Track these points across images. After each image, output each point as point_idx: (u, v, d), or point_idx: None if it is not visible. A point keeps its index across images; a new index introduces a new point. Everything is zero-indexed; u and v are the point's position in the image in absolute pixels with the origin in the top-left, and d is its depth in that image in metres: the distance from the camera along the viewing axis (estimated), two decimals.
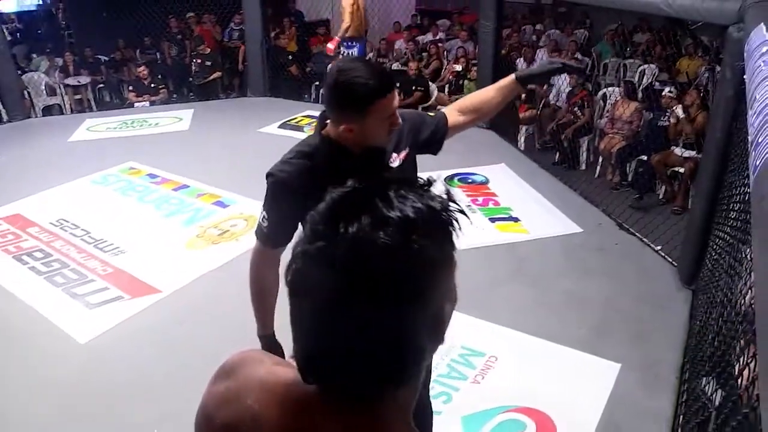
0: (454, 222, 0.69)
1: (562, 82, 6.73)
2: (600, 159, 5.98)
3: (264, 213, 1.70)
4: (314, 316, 0.67)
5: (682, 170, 5.17)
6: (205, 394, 0.85)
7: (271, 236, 1.69)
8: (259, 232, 1.73)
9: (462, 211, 0.71)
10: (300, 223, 1.71)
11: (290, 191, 1.63)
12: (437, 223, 0.67)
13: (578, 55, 7.57)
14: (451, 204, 0.70)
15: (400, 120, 1.62)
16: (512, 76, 1.95)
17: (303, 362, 0.70)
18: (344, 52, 7.16)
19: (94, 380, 2.98)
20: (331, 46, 7.10)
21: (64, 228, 4.56)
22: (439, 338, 0.71)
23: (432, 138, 1.87)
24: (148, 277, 3.85)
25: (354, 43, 7.26)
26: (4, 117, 7.84)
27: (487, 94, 1.99)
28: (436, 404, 2.61)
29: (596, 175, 5.91)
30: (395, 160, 1.74)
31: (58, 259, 4.11)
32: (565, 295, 3.62)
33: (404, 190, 0.67)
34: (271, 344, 1.82)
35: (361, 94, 1.52)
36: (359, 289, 0.63)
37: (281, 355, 1.76)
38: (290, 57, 8.76)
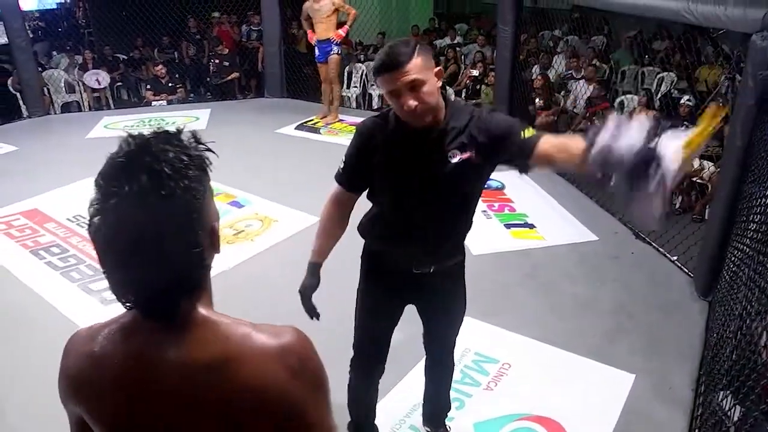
0: (206, 160, 0.90)
1: (581, 89, 6.69)
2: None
3: (343, 157, 1.88)
4: (118, 256, 0.84)
5: (700, 180, 5.12)
6: (59, 375, 0.98)
7: (342, 176, 1.89)
8: (336, 174, 1.91)
9: (209, 149, 0.91)
10: (365, 176, 1.85)
11: (363, 139, 1.84)
12: (196, 165, 0.87)
13: (596, 62, 7.53)
14: (200, 145, 0.90)
15: (412, 102, 1.65)
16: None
17: (119, 295, 0.88)
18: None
19: None
20: (342, 32, 6.84)
21: (80, 224, 4.60)
22: (216, 249, 0.93)
23: (514, 154, 1.73)
24: None
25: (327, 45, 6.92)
26: (24, 113, 7.94)
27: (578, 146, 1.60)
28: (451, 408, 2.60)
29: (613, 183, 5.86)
30: (455, 156, 1.76)
31: (74, 255, 4.14)
32: (579, 303, 3.59)
33: (163, 145, 0.86)
34: (311, 270, 2.00)
35: (372, 68, 1.76)
36: (151, 229, 0.82)
37: (312, 280, 2.00)
38: (304, 59, 8.78)
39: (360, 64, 8.51)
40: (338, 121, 7.06)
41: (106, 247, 0.85)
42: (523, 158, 1.72)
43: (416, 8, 9.88)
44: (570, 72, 7.44)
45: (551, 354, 3.08)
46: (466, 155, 1.75)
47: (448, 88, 7.75)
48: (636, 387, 2.87)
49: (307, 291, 2.01)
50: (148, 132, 0.89)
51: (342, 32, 6.81)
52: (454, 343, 2.30)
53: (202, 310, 0.91)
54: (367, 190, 1.93)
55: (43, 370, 3.04)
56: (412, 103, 1.65)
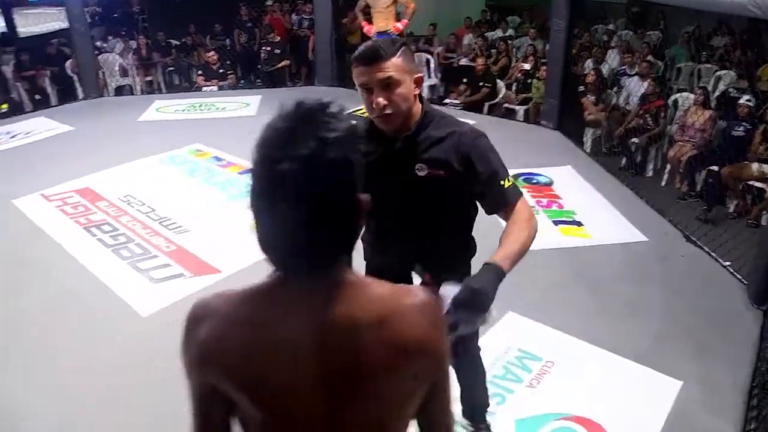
0: (361, 134, 0.96)
1: (635, 85, 6.52)
2: (668, 167, 5.78)
3: None
4: (289, 217, 0.88)
5: (758, 185, 4.93)
6: (189, 344, 0.98)
7: None
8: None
9: (351, 116, 0.96)
10: None
11: None
12: (356, 137, 0.93)
13: (650, 58, 7.32)
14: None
15: (381, 101, 1.59)
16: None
17: (280, 257, 0.94)
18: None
19: (151, 352, 3.06)
20: (400, 26, 6.84)
21: (131, 204, 4.71)
22: (363, 217, 0.97)
23: (488, 196, 1.73)
24: (209, 257, 3.94)
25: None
26: (80, 95, 8.17)
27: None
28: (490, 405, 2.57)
29: (663, 183, 5.71)
30: (423, 170, 1.70)
31: (124, 233, 4.25)
32: (625, 305, 3.51)
33: (328, 118, 0.90)
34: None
35: (352, 57, 1.66)
36: (321, 191, 0.87)
37: None
38: (354, 48, 8.79)
39: None
40: None
41: (273, 207, 0.90)
42: (494, 205, 1.72)
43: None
44: (624, 68, 7.26)
45: (596, 354, 3.02)
46: (436, 172, 1.69)
47: (498, 81, 7.65)
48: (683, 394, 2.79)
49: None
50: (309, 102, 0.92)
51: (401, 26, 6.79)
52: (476, 347, 2.23)
53: (350, 273, 0.97)
54: None
55: (91, 342, 3.15)
56: (381, 101, 1.60)
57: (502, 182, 1.70)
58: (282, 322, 0.93)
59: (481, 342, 3.03)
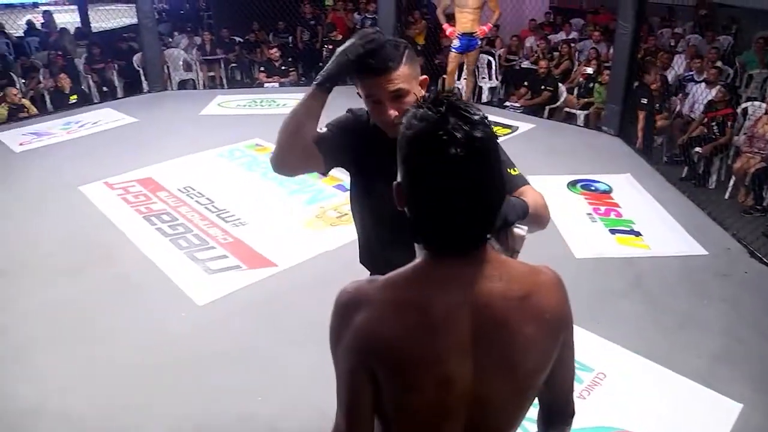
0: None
1: (701, 92, 6.29)
2: (732, 179, 5.56)
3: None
4: (455, 202, 0.94)
5: None
6: (344, 331, 1.01)
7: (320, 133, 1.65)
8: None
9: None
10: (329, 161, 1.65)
11: (348, 122, 1.71)
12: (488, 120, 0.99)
13: (719, 64, 7.06)
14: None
15: (393, 113, 1.52)
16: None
17: (441, 237, 0.98)
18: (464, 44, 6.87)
19: (205, 340, 3.14)
20: (485, 29, 6.85)
21: (190, 195, 4.84)
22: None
23: None
24: (265, 250, 4.00)
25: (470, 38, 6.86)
26: (145, 88, 8.44)
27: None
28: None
29: (727, 196, 5.49)
30: None
31: (183, 223, 4.36)
32: (683, 319, 3.39)
33: (464, 105, 0.96)
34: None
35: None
36: (485, 178, 0.95)
37: None
38: (419, 49, 8.78)
39: None
40: None
41: (443, 193, 0.94)
42: None
43: (533, 0, 9.61)
44: (691, 73, 7.02)
45: (650, 369, 2.93)
46: None
47: (560, 85, 7.52)
48: (742, 419, 2.66)
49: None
50: (451, 99, 0.97)
51: (486, 29, 6.81)
52: None
53: (492, 251, 1.04)
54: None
55: (148, 326, 3.25)
56: (393, 113, 1.53)
57: (509, 170, 1.64)
58: (439, 300, 0.97)
59: None
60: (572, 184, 4.95)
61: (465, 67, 7.15)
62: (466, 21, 6.60)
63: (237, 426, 2.62)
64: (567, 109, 7.43)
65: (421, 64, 8.58)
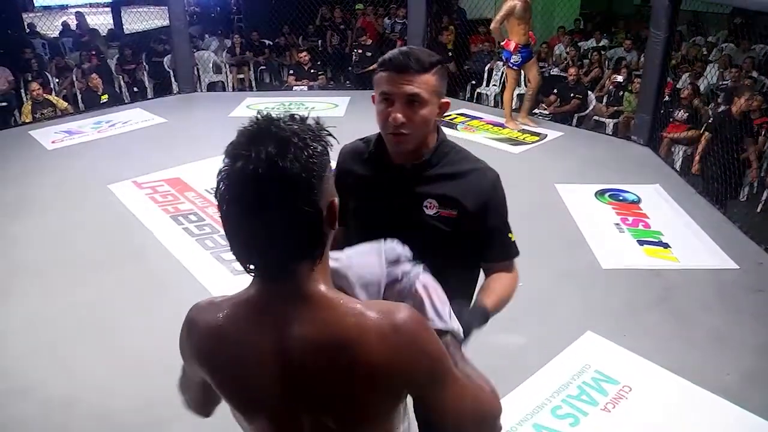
0: (327, 139, 0.96)
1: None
2: (765, 191, 5.44)
3: None
4: (241, 217, 0.90)
5: None
6: (183, 342, 1.09)
7: None
8: None
9: (330, 134, 0.97)
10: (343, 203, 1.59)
11: (340, 163, 1.66)
12: (318, 142, 0.93)
13: (754, 74, 6.93)
14: (323, 129, 0.96)
15: (399, 116, 1.42)
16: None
17: (241, 259, 0.94)
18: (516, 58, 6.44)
19: None
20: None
21: None
22: (332, 225, 0.96)
23: (489, 245, 1.61)
24: None
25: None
26: (175, 89, 8.55)
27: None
28: (562, 425, 2.51)
29: (759, 209, 5.38)
30: (431, 208, 1.52)
31: (209, 224, 4.40)
32: (712, 334, 3.31)
33: (290, 122, 0.92)
34: None
35: (380, 60, 1.49)
36: (273, 190, 0.87)
37: None
38: (449, 54, 8.77)
39: (501, 63, 8.37)
40: (476, 119, 6.99)
41: (230, 208, 0.91)
42: (496, 255, 1.61)
43: (562, 7, 9.53)
44: (724, 83, 6.90)
45: (678, 385, 2.87)
46: (448, 212, 1.52)
47: (589, 93, 7.45)
48: None
49: None
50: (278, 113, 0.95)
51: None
52: None
53: (321, 286, 0.95)
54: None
55: (173, 324, 3.26)
56: (399, 116, 1.42)
57: (509, 235, 1.61)
58: (249, 337, 0.96)
59: (558, 359, 2.97)
60: (600, 194, 4.89)
61: (529, 78, 6.61)
62: (524, 33, 6.20)
63: None
64: (596, 118, 7.35)
65: (452, 71, 8.49)
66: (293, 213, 0.88)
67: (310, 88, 8.56)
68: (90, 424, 2.67)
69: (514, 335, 3.15)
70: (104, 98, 7.80)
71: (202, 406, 1.23)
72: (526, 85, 7.42)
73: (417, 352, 0.94)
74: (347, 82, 9.42)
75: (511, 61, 6.34)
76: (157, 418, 2.66)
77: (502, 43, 6.43)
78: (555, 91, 7.61)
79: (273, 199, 0.88)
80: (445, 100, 1.52)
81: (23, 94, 7.92)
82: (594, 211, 4.63)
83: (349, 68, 9.28)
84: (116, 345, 3.16)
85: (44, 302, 3.57)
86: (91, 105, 7.77)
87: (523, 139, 6.27)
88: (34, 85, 7.30)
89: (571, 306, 3.48)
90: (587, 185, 5.04)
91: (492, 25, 6.31)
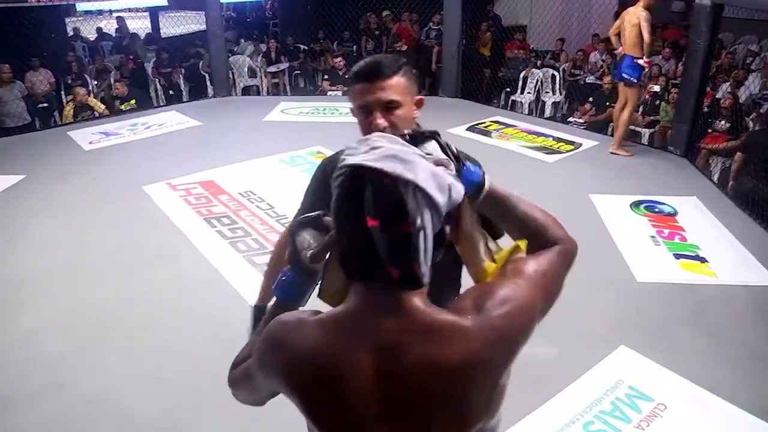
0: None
1: None
2: None
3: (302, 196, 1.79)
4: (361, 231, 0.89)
5: None
6: (267, 360, 1.02)
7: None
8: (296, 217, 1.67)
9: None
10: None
11: (324, 176, 1.70)
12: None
13: None
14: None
15: (381, 122, 1.48)
16: None
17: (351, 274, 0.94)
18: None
19: None
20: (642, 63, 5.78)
21: (250, 200, 4.92)
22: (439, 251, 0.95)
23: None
24: None
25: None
26: (210, 92, 8.67)
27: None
28: None
29: None
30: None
31: (242, 227, 4.44)
32: (752, 354, 3.21)
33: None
34: (256, 316, 1.90)
35: (350, 74, 1.52)
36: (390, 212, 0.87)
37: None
38: (485, 60, 8.73)
39: (536, 71, 8.31)
40: (510, 127, 6.94)
41: (349, 223, 0.92)
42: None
43: (599, 14, 9.39)
44: (767, 93, 6.73)
45: (714, 404, 2.79)
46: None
47: None
48: None
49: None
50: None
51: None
52: None
53: (416, 301, 0.94)
54: None
55: (206, 326, 3.31)
56: (381, 122, 1.48)
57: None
58: (348, 359, 0.92)
59: (591, 372, 2.92)
60: (635, 205, 4.80)
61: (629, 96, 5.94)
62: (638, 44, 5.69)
63: (301, 421, 2.62)
64: (632, 127, 7.22)
65: (488, 76, 8.39)
66: (407, 230, 0.89)
67: (345, 93, 8.57)
68: (117, 424, 2.71)
69: (546, 347, 3.12)
70: (123, 107, 7.81)
71: (259, 403, 1.22)
72: (558, 92, 7.34)
73: (510, 340, 0.96)
74: None
75: (634, 76, 5.77)
76: (188, 419, 2.69)
77: (641, 61, 5.71)
78: (590, 99, 7.51)
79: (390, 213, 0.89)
80: (419, 96, 1.58)
81: (63, 96, 8.11)
82: (629, 223, 4.55)
83: None
84: (148, 346, 3.20)
85: (77, 301, 3.63)
86: (118, 110, 7.84)
87: (558, 148, 6.19)
88: (81, 90, 7.47)
89: (605, 319, 3.42)
90: (622, 196, 4.96)
91: (645, 39, 5.60)
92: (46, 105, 7.86)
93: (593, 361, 3.02)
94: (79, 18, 12.46)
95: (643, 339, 3.19)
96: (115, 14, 11.38)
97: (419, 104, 1.59)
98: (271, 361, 1.00)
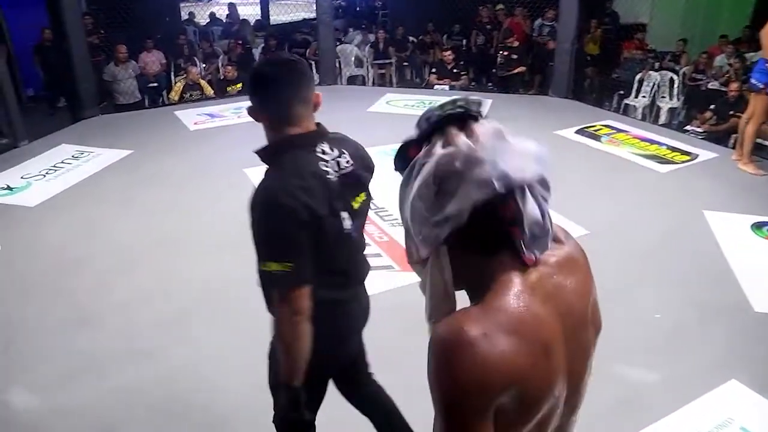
0: None
1: None
2: None
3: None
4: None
5: None
6: (466, 368, 0.85)
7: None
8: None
9: None
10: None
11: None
12: None
13: None
14: None
15: None
16: None
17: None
18: None
19: None
20: None
21: None
22: None
23: None
24: None
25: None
26: (316, 80, 8.78)
27: None
28: None
29: None
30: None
31: None
32: None
33: None
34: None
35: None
36: None
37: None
38: (588, 59, 8.33)
39: (654, 73, 7.84)
40: (622, 132, 6.58)
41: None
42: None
43: (730, 13, 8.65)
44: None
45: None
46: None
47: None
48: None
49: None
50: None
51: None
52: None
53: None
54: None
55: (232, 324, 3.29)
56: None
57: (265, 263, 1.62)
58: (538, 312, 0.91)
59: (694, 404, 2.66)
60: (757, 227, 4.38)
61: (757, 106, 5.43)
62: None
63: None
64: (758, 140, 6.63)
65: (590, 75, 7.94)
66: None
67: (452, 87, 8.44)
68: (203, 397, 2.77)
69: (640, 369, 2.89)
70: (230, 89, 8.04)
71: None
72: (675, 98, 6.85)
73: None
74: (489, 84, 9.21)
75: (762, 82, 5.21)
76: (270, 401, 2.69)
77: None
78: (712, 107, 6.97)
79: None
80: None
81: (172, 77, 8.48)
82: (748, 246, 4.15)
83: (493, 70, 9.06)
84: (239, 323, 3.24)
85: (171, 273, 3.78)
86: (225, 93, 8.13)
87: (672, 158, 5.79)
88: (194, 69, 7.82)
89: (714, 348, 3.12)
90: (742, 215, 4.54)
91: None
92: (155, 85, 8.29)
93: (698, 392, 2.76)
94: (193, 3, 13.02)
95: (758, 374, 2.87)
96: (227, 0, 11.82)
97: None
98: (481, 385, 0.84)
